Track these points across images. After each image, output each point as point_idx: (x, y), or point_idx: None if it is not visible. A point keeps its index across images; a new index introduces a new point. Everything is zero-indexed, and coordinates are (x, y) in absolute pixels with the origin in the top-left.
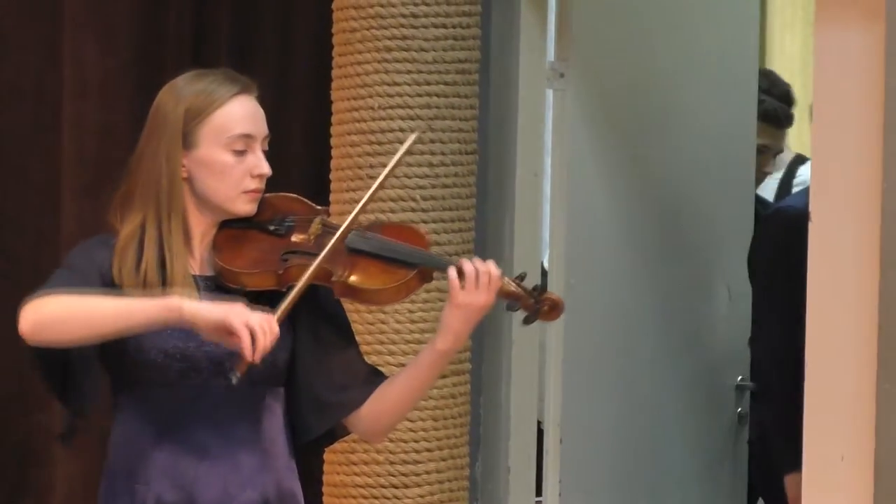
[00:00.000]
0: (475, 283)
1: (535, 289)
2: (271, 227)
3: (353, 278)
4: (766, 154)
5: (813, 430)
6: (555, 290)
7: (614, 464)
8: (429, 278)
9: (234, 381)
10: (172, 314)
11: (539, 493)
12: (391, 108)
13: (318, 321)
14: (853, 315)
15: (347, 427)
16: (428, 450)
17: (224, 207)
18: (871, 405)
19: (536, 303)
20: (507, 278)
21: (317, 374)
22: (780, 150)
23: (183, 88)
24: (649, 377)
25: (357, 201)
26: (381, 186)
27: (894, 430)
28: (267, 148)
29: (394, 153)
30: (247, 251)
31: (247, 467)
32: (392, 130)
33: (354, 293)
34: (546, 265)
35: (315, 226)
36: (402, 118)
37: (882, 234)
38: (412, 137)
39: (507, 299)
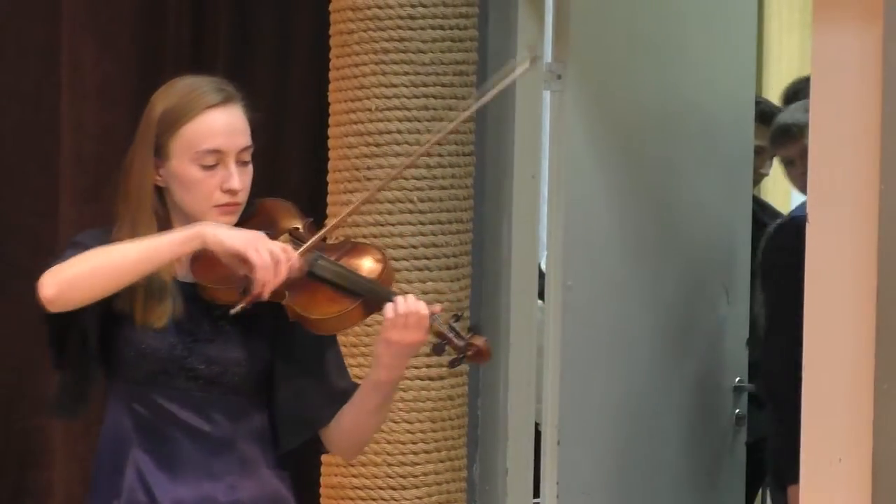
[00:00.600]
0: (405, 321)
1: (468, 331)
2: None
3: (299, 304)
4: (763, 155)
5: (810, 432)
6: (552, 291)
7: (612, 465)
8: (374, 309)
9: (232, 312)
10: (194, 242)
11: (537, 494)
12: (388, 109)
13: (296, 338)
14: (850, 317)
15: (323, 441)
16: (426, 451)
17: (198, 220)
18: (869, 407)
19: (466, 346)
20: (440, 318)
21: (288, 391)
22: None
23: (166, 95)
24: (647, 379)
25: (353, 203)
26: (362, 203)
27: (892, 432)
28: (248, 159)
29: (391, 155)
30: (218, 264)
31: (223, 474)
32: (389, 132)
33: (300, 318)
34: (543, 267)
35: (282, 242)
36: (399, 120)
37: (879, 236)
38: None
39: (436, 338)
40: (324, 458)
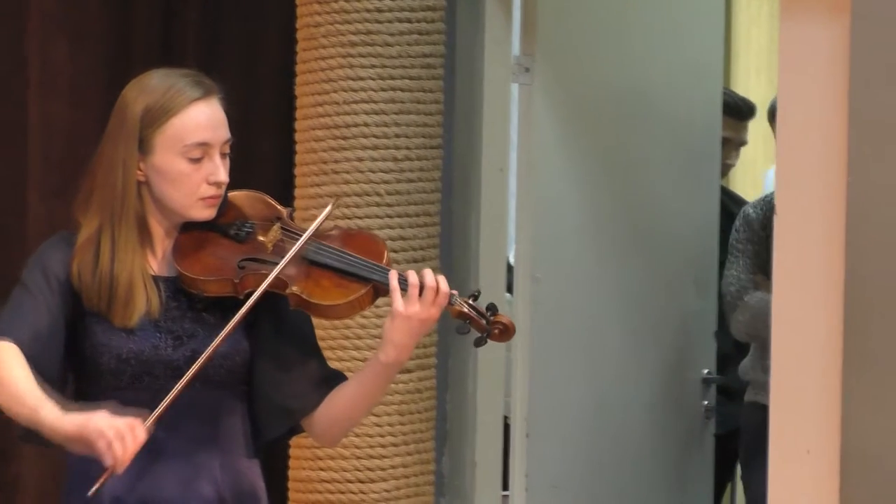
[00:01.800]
0: (418, 295)
1: (487, 309)
2: (231, 232)
3: (306, 291)
4: (729, 146)
5: (778, 424)
6: (521, 285)
7: (581, 458)
8: (383, 293)
9: (90, 493)
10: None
11: (506, 487)
12: (356, 102)
13: (277, 327)
14: (819, 309)
15: (304, 429)
16: (394, 444)
17: (180, 213)
18: (837, 399)
19: (488, 324)
20: (459, 298)
21: (273, 380)
22: (744, 143)
23: (144, 90)
24: (616, 371)
25: (322, 196)
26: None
27: (860, 424)
28: (228, 152)
29: (358, 148)
30: (205, 256)
31: (204, 467)
32: (357, 125)
33: (307, 306)
34: (512, 260)
35: (274, 232)
36: (366, 113)
37: (847, 227)
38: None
39: (458, 319)
40: (292, 451)
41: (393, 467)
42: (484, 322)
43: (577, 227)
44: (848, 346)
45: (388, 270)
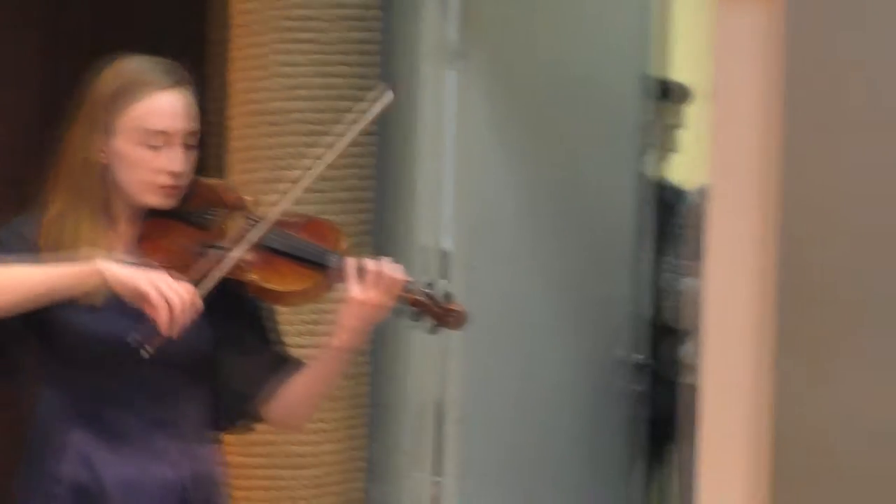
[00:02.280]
0: (375, 281)
1: (444, 298)
2: (194, 220)
3: (264, 278)
4: (669, 131)
5: (711, 409)
6: (457, 271)
7: (513, 443)
8: (340, 280)
9: (146, 355)
10: (93, 278)
11: (437, 473)
12: (291, 88)
13: (236, 314)
14: (752, 291)
15: (263, 416)
16: (325, 431)
17: (137, 199)
18: (770, 382)
19: (443, 312)
20: (414, 286)
21: (231, 366)
22: (680, 126)
23: (115, 74)
24: (548, 355)
25: (254, 183)
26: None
27: (792, 408)
28: (193, 143)
29: (292, 134)
30: (166, 242)
31: (164, 451)
32: (291, 111)
33: (265, 293)
34: (446, 247)
35: (237, 220)
36: (302, 99)
37: (781, 211)
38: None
39: (413, 307)
40: (225, 437)
41: (324, 453)
42: (439, 310)
43: (511, 214)
44: (781, 327)
45: (346, 258)
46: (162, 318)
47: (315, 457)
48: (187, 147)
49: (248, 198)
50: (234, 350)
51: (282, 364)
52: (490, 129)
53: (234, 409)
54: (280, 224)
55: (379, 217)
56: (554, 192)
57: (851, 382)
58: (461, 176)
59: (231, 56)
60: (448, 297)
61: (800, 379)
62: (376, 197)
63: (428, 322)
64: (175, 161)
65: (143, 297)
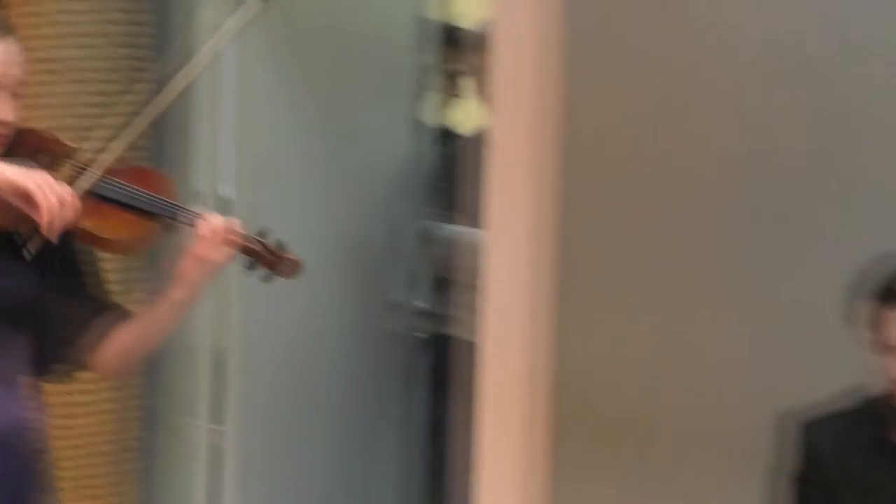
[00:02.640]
0: (214, 237)
1: (277, 246)
2: (21, 166)
3: (94, 226)
4: (456, 77)
5: (489, 351)
6: (238, 217)
7: (295, 389)
8: (173, 227)
9: (27, 256)
10: None
11: (216, 421)
12: (66, 36)
13: (63, 261)
14: (531, 237)
15: (86, 364)
16: (98, 378)
17: None
18: (550, 328)
19: (278, 261)
20: (248, 235)
21: (55, 313)
22: (463, 72)
23: None
24: (328, 301)
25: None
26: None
27: (571, 352)
28: (21, 92)
29: (68, 82)
30: None
31: None
32: (66, 59)
33: (95, 241)
34: (223, 193)
35: (66, 168)
36: (77, 47)
37: (560, 154)
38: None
39: (248, 256)
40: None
41: (98, 402)
42: (272, 259)
43: (292, 159)
44: (562, 271)
45: (179, 208)
46: (45, 218)
47: (88, 406)
48: (14, 95)
49: (74, 145)
50: (54, 295)
51: (104, 311)
52: (269, 74)
53: (52, 353)
54: (110, 172)
55: (157, 166)
56: (333, 136)
57: (631, 325)
58: (241, 122)
59: (9, 2)
60: (281, 245)
61: (578, 323)
62: (154, 144)
63: (262, 270)
64: (3, 109)
65: (27, 195)
